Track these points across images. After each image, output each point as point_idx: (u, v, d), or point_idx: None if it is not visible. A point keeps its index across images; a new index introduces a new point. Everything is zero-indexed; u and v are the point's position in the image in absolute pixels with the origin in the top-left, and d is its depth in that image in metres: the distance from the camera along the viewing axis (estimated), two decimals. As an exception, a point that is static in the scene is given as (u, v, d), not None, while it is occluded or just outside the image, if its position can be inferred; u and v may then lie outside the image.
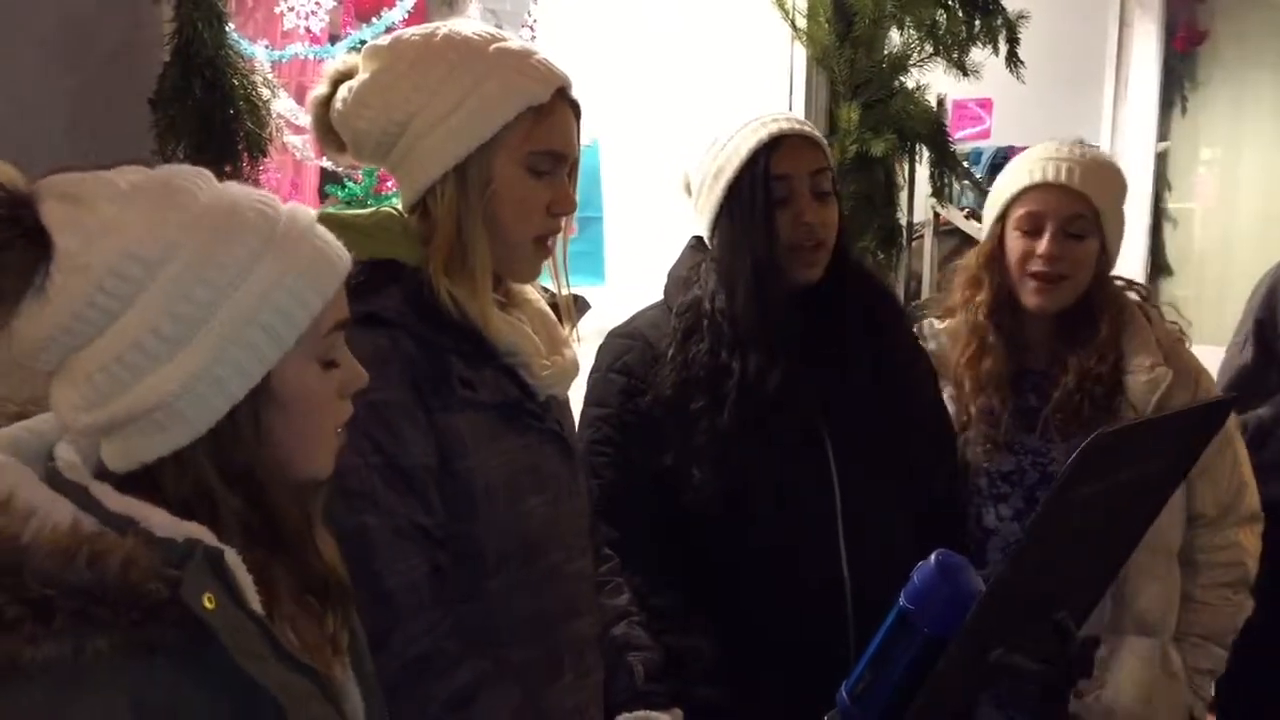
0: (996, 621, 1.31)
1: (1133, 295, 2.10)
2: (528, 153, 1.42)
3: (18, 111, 1.63)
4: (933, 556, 1.37)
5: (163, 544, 0.89)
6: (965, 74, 2.76)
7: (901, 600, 1.36)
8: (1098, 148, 2.09)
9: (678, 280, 1.87)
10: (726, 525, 1.74)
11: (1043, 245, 1.96)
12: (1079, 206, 1.96)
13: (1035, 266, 1.98)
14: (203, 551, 0.89)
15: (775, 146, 1.76)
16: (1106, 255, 2.01)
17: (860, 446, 1.79)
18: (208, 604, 0.88)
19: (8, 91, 1.63)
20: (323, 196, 2.96)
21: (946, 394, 2.05)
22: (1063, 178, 1.96)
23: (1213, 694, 2.07)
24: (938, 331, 2.13)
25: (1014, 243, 2.01)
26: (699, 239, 1.89)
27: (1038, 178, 1.98)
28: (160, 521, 0.91)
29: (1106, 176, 2.00)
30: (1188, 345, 2.08)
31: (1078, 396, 1.98)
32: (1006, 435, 2.03)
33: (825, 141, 1.88)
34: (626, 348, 1.82)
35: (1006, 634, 1.33)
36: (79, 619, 0.84)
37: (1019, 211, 2.00)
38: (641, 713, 1.58)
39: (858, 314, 1.85)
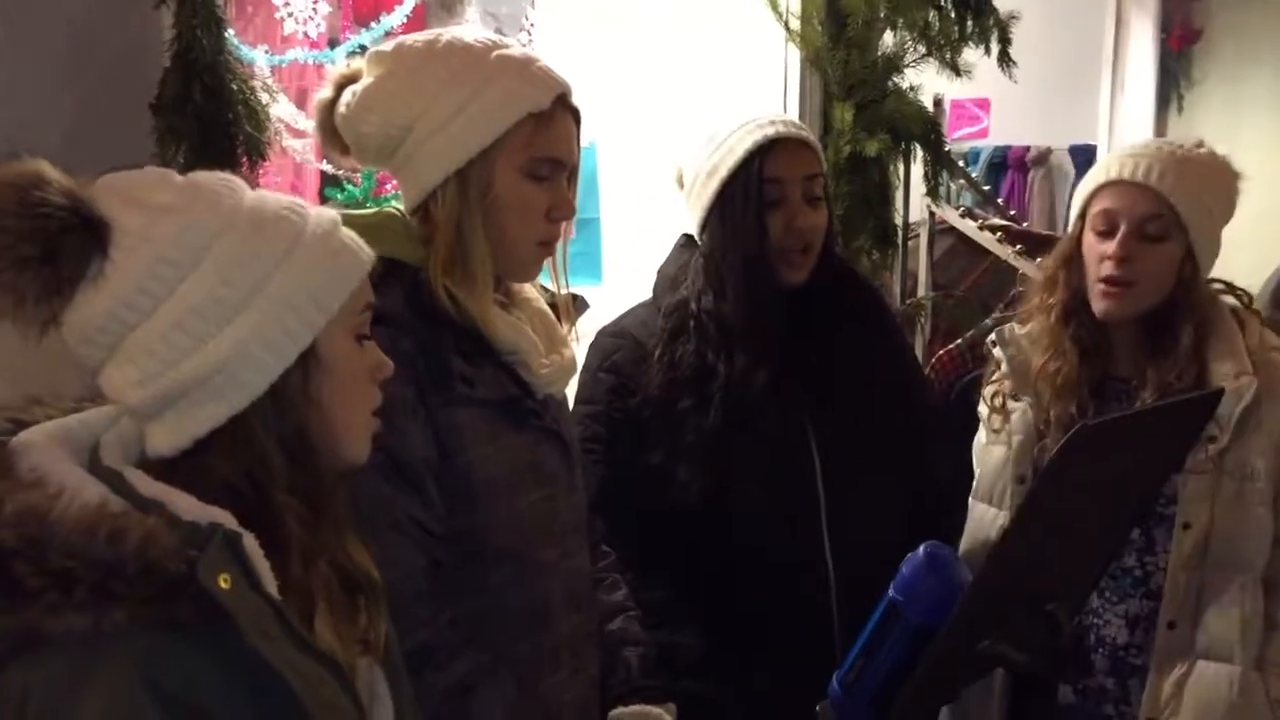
0: (984, 612, 1.33)
1: (1230, 300, 1.93)
2: (528, 159, 1.44)
3: (20, 119, 1.65)
4: (921, 548, 1.39)
5: (186, 526, 0.93)
6: (958, 74, 2.77)
7: (891, 591, 1.39)
8: (1203, 148, 1.93)
9: (666, 279, 1.89)
10: (713, 523, 1.76)
11: (1112, 247, 1.83)
12: (1155, 206, 1.81)
13: (1104, 270, 1.84)
14: (222, 534, 0.93)
15: (770, 149, 1.78)
16: (1194, 260, 1.85)
17: (845, 446, 1.80)
18: (223, 584, 0.91)
19: (11, 100, 1.65)
20: (323, 200, 2.97)
21: (1025, 402, 1.94)
22: (1139, 175, 1.82)
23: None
24: (1017, 337, 1.99)
25: (1089, 243, 1.88)
26: (688, 237, 1.90)
27: (1114, 174, 1.85)
28: (186, 506, 0.95)
29: (1195, 175, 1.84)
30: None
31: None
32: None
33: (820, 146, 1.89)
34: (615, 347, 1.84)
35: (996, 624, 1.35)
36: (98, 592, 0.88)
37: (1095, 209, 1.87)
38: (636, 707, 1.59)
39: (843, 314, 1.87)
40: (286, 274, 1.00)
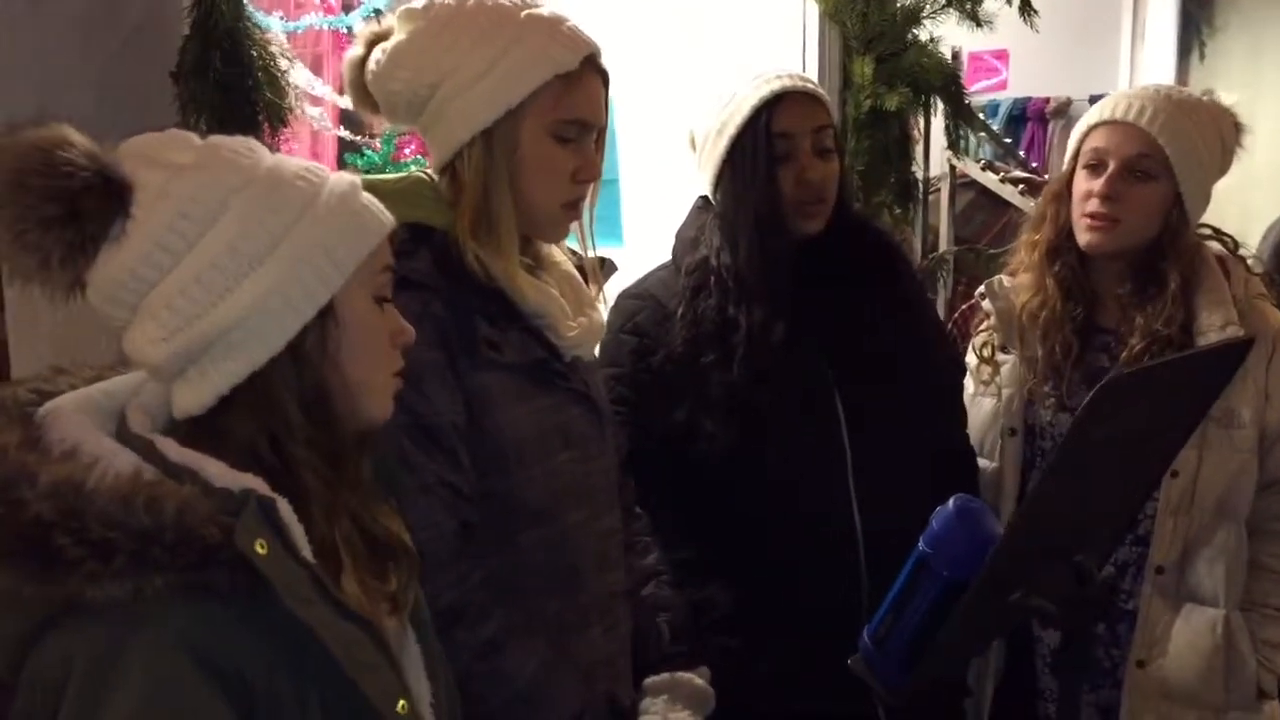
0: (1015, 564, 1.33)
1: (1216, 246, 1.96)
2: (555, 120, 1.43)
3: (45, 90, 1.65)
4: (951, 501, 1.39)
5: (219, 493, 0.94)
6: (979, 24, 2.75)
7: (921, 545, 1.39)
8: (1206, 96, 1.93)
9: (685, 240, 1.89)
10: (738, 476, 1.77)
11: (1099, 184, 1.86)
12: (1144, 146, 1.84)
13: (1090, 206, 1.87)
14: (256, 500, 0.94)
15: (777, 103, 1.78)
16: (1182, 205, 1.87)
17: (867, 391, 1.81)
18: (260, 549, 0.93)
19: (35, 70, 1.65)
20: (341, 166, 2.97)
21: (1014, 354, 1.98)
22: (1130, 115, 1.84)
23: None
24: (1006, 289, 2.02)
25: (1079, 180, 1.91)
26: (705, 199, 1.91)
27: (1106, 114, 1.88)
28: (217, 472, 0.96)
29: (1188, 120, 1.85)
30: (1271, 301, 1.93)
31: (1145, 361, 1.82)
32: (1071, 396, 1.90)
33: (828, 98, 1.89)
34: (637, 308, 1.85)
35: (1025, 577, 1.35)
36: (137, 560, 0.90)
37: (1086, 147, 1.91)
38: (667, 675, 1.60)
39: (861, 263, 1.87)
40: (303, 231, 1.01)
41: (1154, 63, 5.42)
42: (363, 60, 1.49)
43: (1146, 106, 1.85)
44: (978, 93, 5.55)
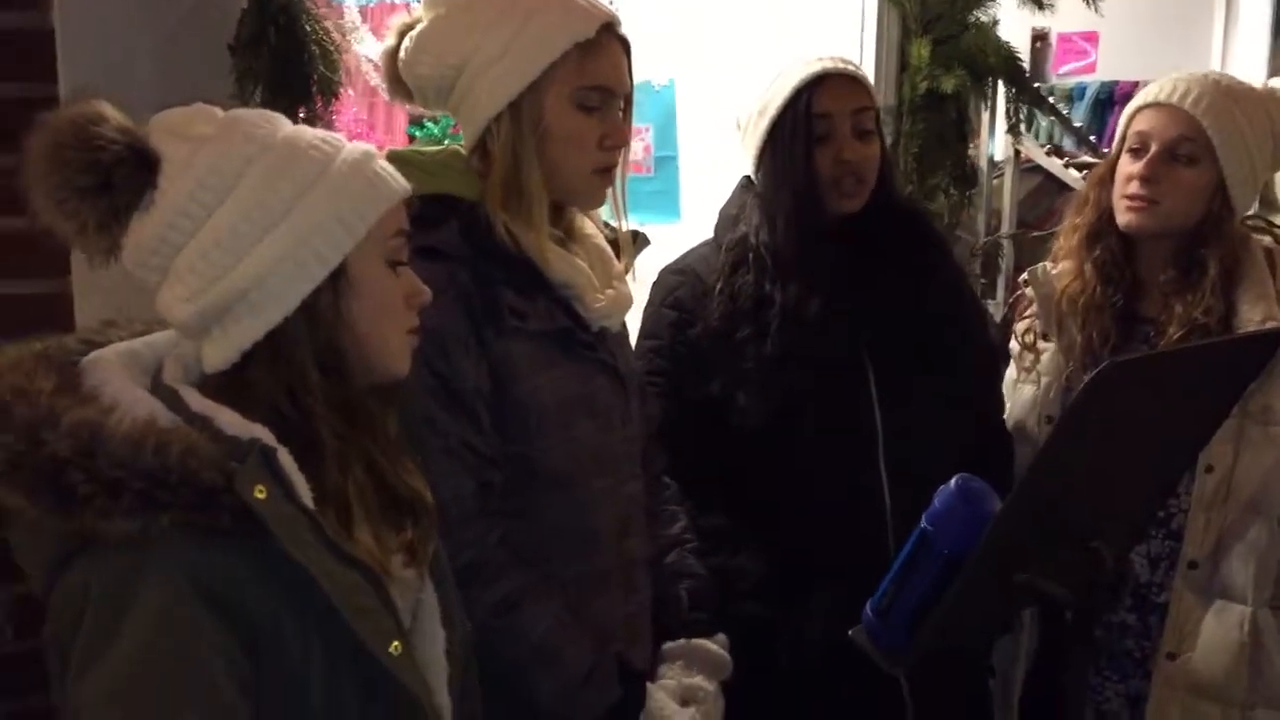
0: (1015, 543, 1.35)
1: (1265, 239, 1.94)
2: (576, 88, 1.47)
3: (109, 63, 1.73)
4: (953, 480, 1.42)
5: (228, 441, 1.01)
6: (1041, 8, 2.71)
7: (923, 522, 1.42)
8: (1266, 87, 1.95)
9: (727, 218, 1.93)
10: (770, 449, 1.80)
11: (1140, 166, 1.87)
12: (1186, 129, 1.84)
13: (1130, 189, 1.87)
14: (259, 448, 1.01)
15: (818, 85, 1.81)
16: (1226, 192, 1.86)
17: (901, 372, 1.84)
18: (259, 494, 0.99)
19: (100, 45, 1.72)
20: (410, 139, 3.05)
21: (1055, 343, 1.97)
22: (1174, 98, 1.84)
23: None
24: (1050, 276, 2.01)
25: (1122, 163, 1.91)
26: (748, 178, 1.94)
27: (1150, 97, 1.89)
28: (230, 421, 1.03)
29: (1235, 107, 1.84)
30: None
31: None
32: None
33: (869, 81, 1.92)
34: (678, 283, 1.89)
35: (1029, 557, 1.37)
36: (144, 499, 0.97)
37: (1132, 131, 1.91)
38: (683, 641, 1.64)
39: (897, 245, 1.89)
40: (315, 197, 1.07)
41: (1247, 45, 5.25)
42: (395, 50, 1.54)
43: (1191, 89, 1.84)
44: (1066, 75, 5.43)
